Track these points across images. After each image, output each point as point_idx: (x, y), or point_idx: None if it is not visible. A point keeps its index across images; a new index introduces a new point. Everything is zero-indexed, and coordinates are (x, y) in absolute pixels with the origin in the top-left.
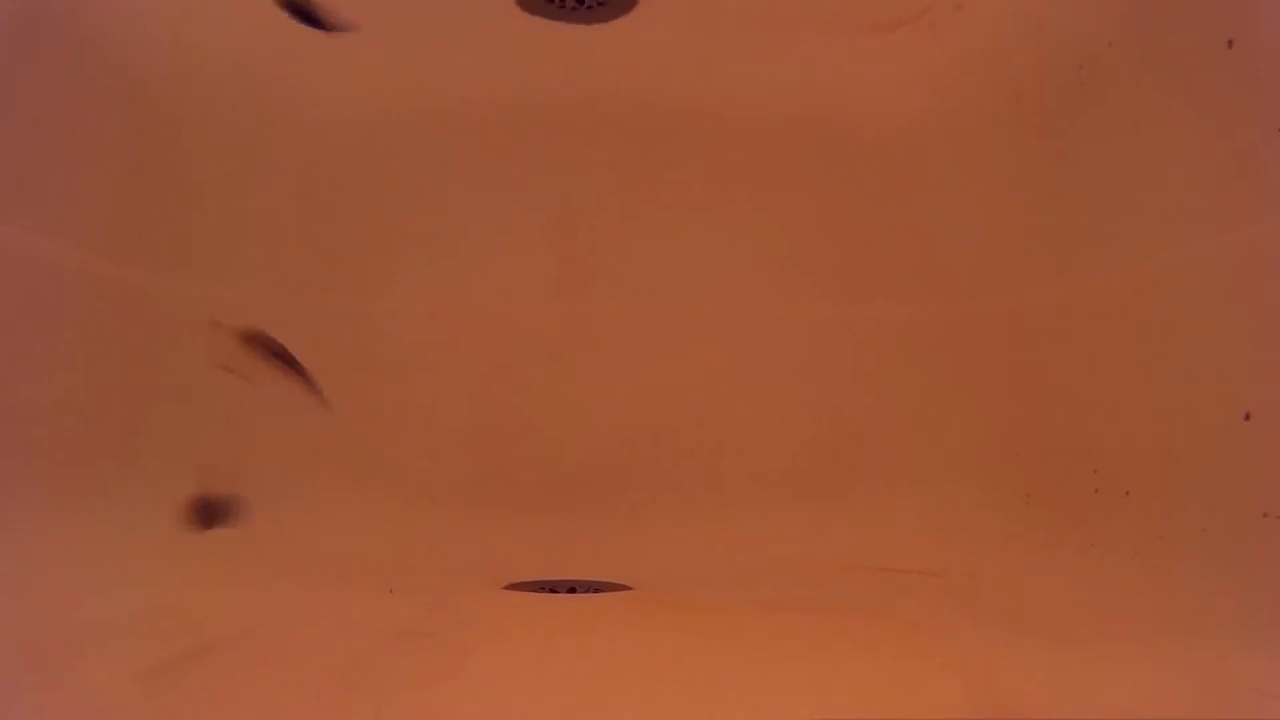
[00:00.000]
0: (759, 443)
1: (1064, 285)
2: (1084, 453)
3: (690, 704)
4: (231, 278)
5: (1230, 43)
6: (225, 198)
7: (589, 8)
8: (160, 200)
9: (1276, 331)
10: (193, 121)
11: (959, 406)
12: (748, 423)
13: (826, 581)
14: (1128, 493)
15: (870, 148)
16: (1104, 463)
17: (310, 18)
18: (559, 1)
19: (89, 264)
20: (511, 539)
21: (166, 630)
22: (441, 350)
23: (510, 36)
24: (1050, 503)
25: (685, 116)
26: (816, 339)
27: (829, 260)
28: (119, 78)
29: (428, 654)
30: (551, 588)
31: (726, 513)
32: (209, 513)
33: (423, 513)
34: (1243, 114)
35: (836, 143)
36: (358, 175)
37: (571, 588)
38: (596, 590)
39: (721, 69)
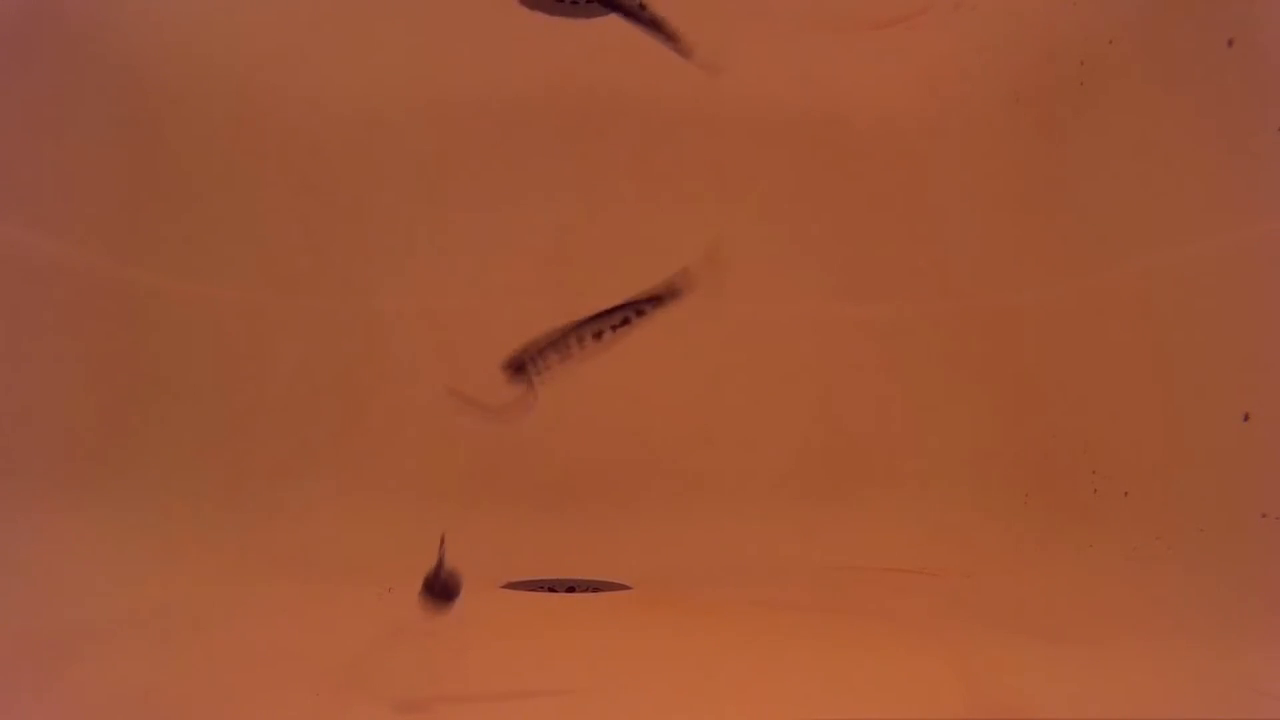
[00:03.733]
0: (758, 442)
1: (1064, 285)
2: (1083, 452)
3: (689, 704)
4: (231, 278)
5: (1230, 42)
6: (224, 197)
7: (589, 1)
8: (159, 200)
9: (1276, 331)
10: (192, 121)
11: (958, 406)
12: (747, 422)
13: (826, 581)
14: (1126, 493)
15: (869, 146)
16: (1103, 463)
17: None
18: None
19: (89, 264)
20: (511, 538)
21: (166, 630)
22: (440, 349)
23: (511, 32)
24: (1049, 503)
25: (683, 114)
26: (815, 338)
27: (827, 259)
28: (118, 78)
29: (426, 653)
30: (550, 587)
31: (726, 512)
32: None
33: (422, 512)
34: (1243, 113)
35: (835, 140)
36: (356, 175)
37: (570, 587)
38: (596, 590)
39: (721, 66)
